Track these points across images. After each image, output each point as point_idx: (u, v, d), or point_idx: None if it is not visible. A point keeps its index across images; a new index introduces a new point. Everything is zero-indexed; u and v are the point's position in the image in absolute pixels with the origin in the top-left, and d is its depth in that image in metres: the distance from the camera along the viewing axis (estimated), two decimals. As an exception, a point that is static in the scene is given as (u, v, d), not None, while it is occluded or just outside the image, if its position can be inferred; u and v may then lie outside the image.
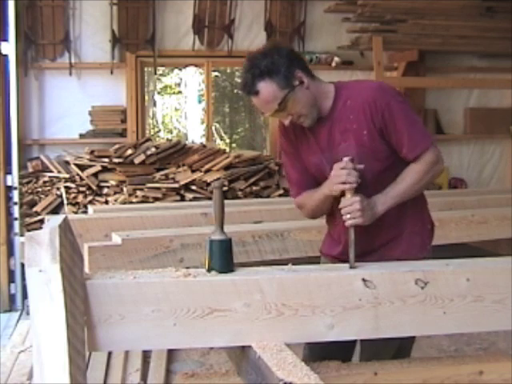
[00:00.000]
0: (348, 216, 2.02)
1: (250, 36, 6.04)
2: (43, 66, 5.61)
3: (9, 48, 4.92)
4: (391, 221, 2.20)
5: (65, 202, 4.96)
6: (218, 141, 11.71)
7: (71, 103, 5.63)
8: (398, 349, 2.23)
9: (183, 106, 12.76)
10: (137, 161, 5.00)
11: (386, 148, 2.13)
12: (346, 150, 2.11)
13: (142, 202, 4.80)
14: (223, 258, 1.91)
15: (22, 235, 4.68)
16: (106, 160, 5.05)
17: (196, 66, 7.06)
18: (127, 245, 2.91)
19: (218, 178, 5.04)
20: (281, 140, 2.31)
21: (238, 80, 12.24)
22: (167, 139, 10.81)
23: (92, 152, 5.14)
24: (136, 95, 5.75)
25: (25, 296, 4.75)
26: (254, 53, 2.12)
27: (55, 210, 5.00)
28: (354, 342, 2.33)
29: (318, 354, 2.01)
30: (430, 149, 2.14)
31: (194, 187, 5.00)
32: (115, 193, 4.98)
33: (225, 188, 5.04)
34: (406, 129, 2.10)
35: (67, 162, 5.28)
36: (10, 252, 4.95)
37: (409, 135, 2.11)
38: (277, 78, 2.04)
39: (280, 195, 5.21)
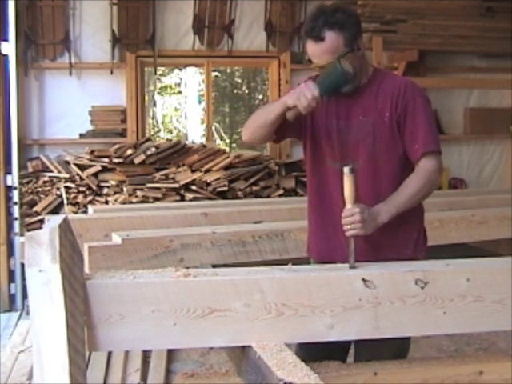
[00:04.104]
0: (348, 227, 2.02)
1: (250, 36, 6.04)
2: (43, 66, 5.61)
3: (9, 48, 4.93)
4: (391, 228, 2.20)
5: (65, 202, 4.96)
6: (218, 141, 11.71)
7: (71, 103, 5.62)
8: (396, 352, 2.23)
9: (183, 105, 12.76)
10: (137, 161, 5.00)
11: (399, 137, 2.18)
12: (363, 124, 2.18)
13: (142, 201, 4.80)
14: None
15: (22, 235, 4.68)
16: (106, 160, 5.05)
17: (196, 65, 7.06)
18: (127, 245, 2.91)
19: (218, 178, 5.04)
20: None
21: (238, 80, 12.27)
22: (167, 139, 10.82)
23: (92, 152, 5.14)
24: (136, 95, 5.75)
25: (25, 296, 4.75)
26: (324, 4, 2.18)
27: (55, 210, 5.00)
28: (349, 345, 2.32)
29: (311, 356, 1.99)
30: (437, 155, 2.18)
31: (194, 187, 5.00)
32: (115, 193, 4.99)
33: (225, 188, 5.05)
34: (423, 125, 2.17)
35: (67, 162, 5.28)
36: (10, 252, 4.95)
37: (425, 132, 2.17)
38: (345, 34, 2.10)
39: (280, 195, 5.21)
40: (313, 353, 1.92)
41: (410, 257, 2.22)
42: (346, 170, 2.02)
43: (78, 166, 5.10)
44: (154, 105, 12.44)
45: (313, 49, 2.11)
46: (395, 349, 2.21)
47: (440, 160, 2.19)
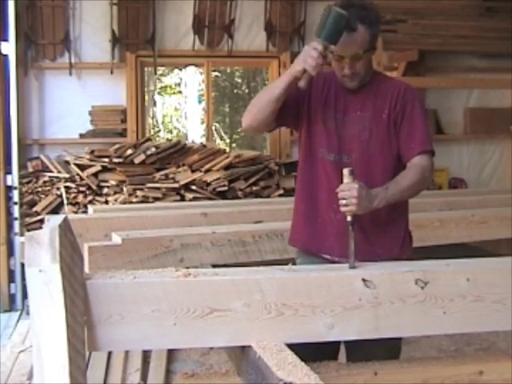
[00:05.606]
0: (344, 202, 2.03)
1: (250, 36, 6.03)
2: (43, 66, 5.60)
3: (9, 48, 4.93)
4: (382, 226, 2.26)
5: (65, 201, 4.96)
6: (218, 141, 11.71)
7: (71, 103, 5.62)
8: (389, 351, 2.24)
9: (183, 105, 12.76)
10: (137, 161, 5.00)
11: (394, 135, 2.23)
12: (360, 119, 2.22)
13: (142, 201, 4.80)
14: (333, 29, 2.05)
15: (22, 235, 4.69)
16: (106, 160, 5.05)
17: (196, 65, 7.06)
18: (127, 245, 2.91)
19: (218, 178, 5.04)
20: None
21: (238, 80, 12.27)
22: (167, 139, 10.82)
23: (92, 152, 5.14)
24: (136, 95, 5.75)
25: (25, 296, 4.76)
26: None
27: (55, 210, 5.00)
28: (338, 345, 2.31)
29: (303, 358, 1.97)
30: (431, 155, 2.25)
31: (194, 187, 5.00)
32: (115, 193, 4.99)
33: (225, 188, 5.04)
34: (420, 126, 2.23)
35: (67, 162, 5.28)
36: (10, 252, 4.95)
37: (421, 133, 2.23)
38: (372, 31, 2.16)
39: (280, 195, 5.21)
40: (304, 354, 1.92)
41: (397, 254, 2.27)
42: (346, 171, 2.03)
43: (78, 165, 5.10)
44: (154, 105, 12.44)
45: (342, 38, 2.12)
46: (388, 348, 2.22)
47: (433, 161, 2.25)
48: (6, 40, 4.92)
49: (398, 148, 2.24)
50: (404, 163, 2.23)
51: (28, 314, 4.35)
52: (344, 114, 2.25)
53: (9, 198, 4.96)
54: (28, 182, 5.13)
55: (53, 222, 1.70)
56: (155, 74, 6.88)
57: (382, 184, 2.14)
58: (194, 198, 4.86)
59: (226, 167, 5.16)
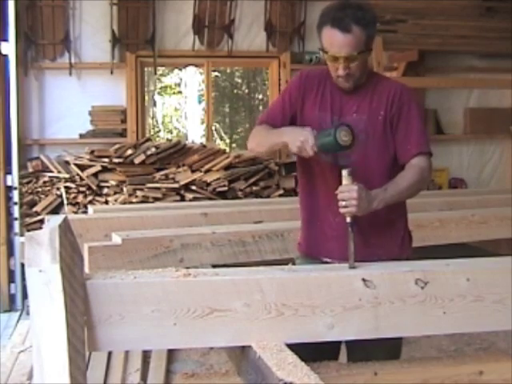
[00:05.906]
0: (344, 203, 2.02)
1: (250, 36, 6.03)
2: (43, 66, 5.61)
3: (9, 48, 4.93)
4: (382, 228, 2.26)
5: (65, 201, 4.96)
6: (218, 141, 11.71)
7: (71, 103, 5.62)
8: (390, 351, 2.24)
9: (183, 106, 12.76)
10: (137, 161, 5.00)
11: (391, 137, 2.22)
12: (357, 121, 2.19)
13: (142, 202, 4.80)
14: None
15: (22, 235, 4.69)
16: (106, 160, 5.05)
17: (196, 66, 7.06)
18: (127, 245, 2.91)
19: (218, 178, 5.04)
20: (293, 85, 2.35)
21: (238, 80, 12.28)
22: (167, 139, 10.82)
23: (92, 152, 5.14)
24: (136, 95, 5.75)
25: (25, 296, 4.76)
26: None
27: (55, 210, 5.00)
28: (339, 345, 2.31)
29: (303, 358, 1.96)
30: (429, 156, 2.24)
31: (194, 187, 5.00)
32: (115, 193, 4.99)
33: (225, 188, 5.05)
34: (417, 127, 2.22)
35: (67, 162, 5.28)
36: (10, 252, 4.95)
37: (418, 134, 2.22)
38: (367, 33, 2.13)
39: (280, 195, 5.21)
40: (304, 354, 1.92)
41: (397, 254, 2.27)
42: (345, 172, 2.03)
43: (78, 166, 5.10)
44: (154, 105, 12.44)
45: (336, 39, 2.12)
46: (389, 348, 2.22)
47: (431, 161, 2.24)
48: (6, 40, 4.92)
49: (394, 149, 2.23)
50: (401, 164, 2.22)
51: (28, 314, 4.35)
52: (340, 116, 2.23)
53: (9, 198, 4.96)
54: (28, 182, 5.13)
55: (53, 222, 1.70)
56: (155, 74, 6.88)
57: (380, 185, 2.13)
58: (194, 198, 4.86)
59: (226, 167, 5.16)
